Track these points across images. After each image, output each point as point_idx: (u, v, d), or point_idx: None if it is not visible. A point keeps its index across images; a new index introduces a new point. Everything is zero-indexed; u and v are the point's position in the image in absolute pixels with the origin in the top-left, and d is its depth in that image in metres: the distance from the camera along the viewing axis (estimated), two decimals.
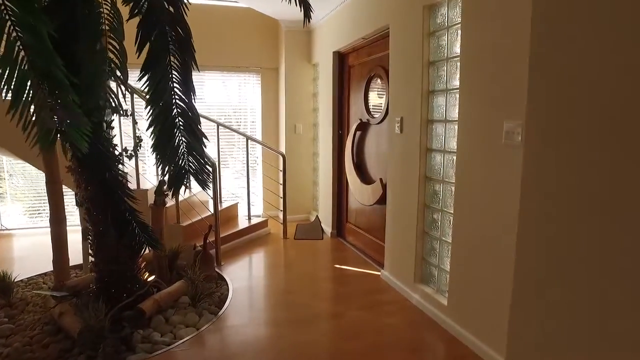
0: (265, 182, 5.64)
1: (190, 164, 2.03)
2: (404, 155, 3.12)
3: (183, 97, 1.94)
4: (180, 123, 1.95)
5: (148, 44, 1.88)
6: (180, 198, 4.21)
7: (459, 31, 2.48)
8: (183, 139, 1.98)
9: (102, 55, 2.10)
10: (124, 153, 2.59)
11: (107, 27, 2.08)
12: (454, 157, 2.59)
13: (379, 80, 3.82)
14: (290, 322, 2.80)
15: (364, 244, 4.18)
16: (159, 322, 2.75)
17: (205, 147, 2.18)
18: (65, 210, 3.11)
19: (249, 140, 4.93)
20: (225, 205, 5.01)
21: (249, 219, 4.98)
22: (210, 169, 2.31)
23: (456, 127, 2.54)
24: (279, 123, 5.68)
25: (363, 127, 4.09)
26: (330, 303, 3.16)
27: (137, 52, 1.91)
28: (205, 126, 5.47)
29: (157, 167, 2.10)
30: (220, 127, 4.93)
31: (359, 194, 4.06)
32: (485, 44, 2.20)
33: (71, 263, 3.20)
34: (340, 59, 4.57)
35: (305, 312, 2.94)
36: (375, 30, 3.59)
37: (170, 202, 4.10)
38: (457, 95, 2.51)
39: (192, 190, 5.05)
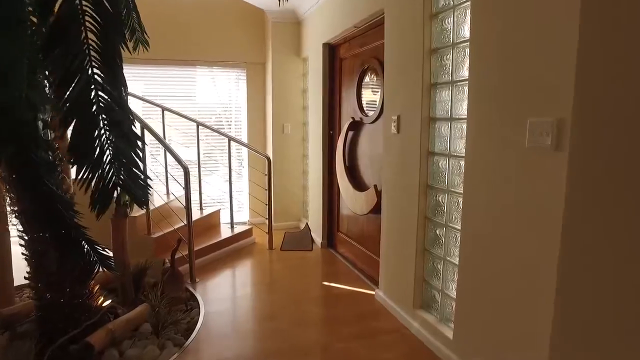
0: (251, 188, 5.20)
1: (121, 176, 1.59)
2: (401, 159, 2.69)
3: (108, 88, 1.50)
4: (105, 122, 1.51)
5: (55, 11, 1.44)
6: (152, 206, 3.78)
7: (468, 10, 2.05)
8: (109, 142, 1.55)
9: (23, 37, 1.66)
10: (63, 159, 2.15)
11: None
12: (462, 163, 2.16)
13: (373, 74, 3.39)
14: (268, 358, 2.37)
15: (357, 257, 3.75)
16: (111, 357, 2.31)
17: (142, 152, 1.73)
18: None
19: (233, 142, 4.49)
20: (206, 212, 4.58)
21: (232, 227, 4.55)
22: (148, 183, 1.88)
23: (464, 126, 2.11)
24: (266, 122, 5.25)
25: (355, 126, 3.66)
26: (317, 331, 2.72)
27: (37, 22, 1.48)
28: (185, 126, 5.07)
29: (77, 177, 1.66)
30: (201, 127, 4.50)
31: (352, 202, 3.63)
32: (502, 22, 1.78)
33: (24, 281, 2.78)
34: (331, 52, 4.14)
35: (288, 344, 2.50)
36: (368, 17, 3.16)
37: (140, 210, 3.67)
38: (466, 88, 2.08)
39: (170, 196, 4.62)
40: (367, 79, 3.51)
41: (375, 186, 3.21)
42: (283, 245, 4.40)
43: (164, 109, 4.50)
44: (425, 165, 2.47)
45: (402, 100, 2.65)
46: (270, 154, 5.10)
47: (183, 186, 3.38)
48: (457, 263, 2.18)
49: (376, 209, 3.20)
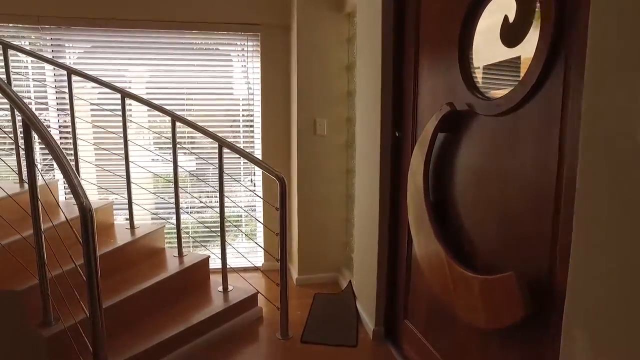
0: (267, 219, 3.41)
1: None
2: None
3: None
4: None
5: None
6: (49, 274, 2.06)
7: None
8: None
9: None
10: None
11: None
12: None
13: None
14: None
15: None
16: None
17: None
18: None
19: (229, 149, 2.69)
20: (188, 261, 2.83)
21: (225, 291, 2.76)
22: None
23: None
24: (290, 118, 3.43)
25: (456, 122, 1.73)
26: None
27: None
28: (153, 119, 3.27)
29: None
30: (179, 122, 2.75)
31: (444, 287, 1.70)
32: None
33: None
34: None
35: None
36: None
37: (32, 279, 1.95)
38: None
39: (135, 233, 2.90)
40: (488, 11, 1.57)
41: (514, 275, 1.28)
42: (306, 332, 2.54)
43: (124, 94, 2.79)
44: None
45: None
46: (294, 167, 3.28)
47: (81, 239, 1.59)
48: None
49: (521, 325, 1.28)
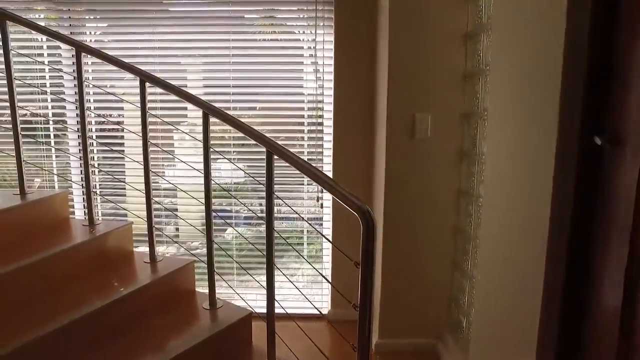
0: (335, 257, 2.47)
1: None
2: None
3: None
4: None
5: None
6: None
7: None
8: None
9: None
10: None
11: None
12: None
13: None
14: None
15: None
16: None
17: None
18: None
19: (279, 156, 1.75)
20: (224, 319, 1.95)
21: None
22: None
23: None
24: (375, 113, 2.45)
25: None
26: None
27: None
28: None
29: None
30: (215, 116, 1.87)
31: None
32: None
33: None
34: None
35: None
36: None
37: None
38: None
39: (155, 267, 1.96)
40: None
41: None
42: None
43: (143, 77, 1.97)
44: None
45: None
46: (379, 184, 2.29)
47: None
48: None
49: None
